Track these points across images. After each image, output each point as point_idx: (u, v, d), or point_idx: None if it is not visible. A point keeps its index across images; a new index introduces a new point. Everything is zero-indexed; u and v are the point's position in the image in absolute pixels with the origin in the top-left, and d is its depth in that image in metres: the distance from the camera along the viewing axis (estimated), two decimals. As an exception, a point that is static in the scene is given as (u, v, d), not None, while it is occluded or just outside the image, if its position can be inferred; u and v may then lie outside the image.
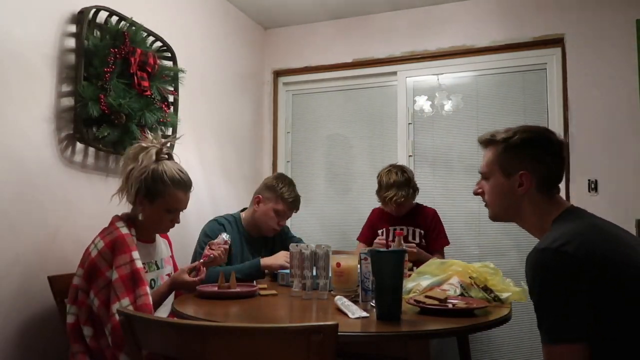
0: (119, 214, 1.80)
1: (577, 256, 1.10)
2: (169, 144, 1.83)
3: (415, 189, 2.66)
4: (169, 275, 1.89)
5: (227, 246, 1.94)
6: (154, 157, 1.75)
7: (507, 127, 1.39)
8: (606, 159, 2.75)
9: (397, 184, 2.57)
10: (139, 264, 1.65)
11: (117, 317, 1.52)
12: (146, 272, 1.76)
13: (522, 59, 3.05)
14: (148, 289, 1.64)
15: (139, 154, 1.75)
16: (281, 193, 2.38)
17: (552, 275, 1.11)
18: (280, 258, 2.21)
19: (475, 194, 1.44)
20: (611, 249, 1.14)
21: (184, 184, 1.80)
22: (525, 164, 1.31)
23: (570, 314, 1.08)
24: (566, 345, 1.08)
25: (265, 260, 2.21)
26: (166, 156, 1.81)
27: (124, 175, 1.77)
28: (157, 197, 1.75)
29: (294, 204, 2.44)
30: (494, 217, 1.40)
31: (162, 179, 1.74)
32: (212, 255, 1.88)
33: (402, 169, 2.66)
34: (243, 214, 2.48)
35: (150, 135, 1.84)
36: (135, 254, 1.66)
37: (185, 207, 1.85)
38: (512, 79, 3.11)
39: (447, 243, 2.71)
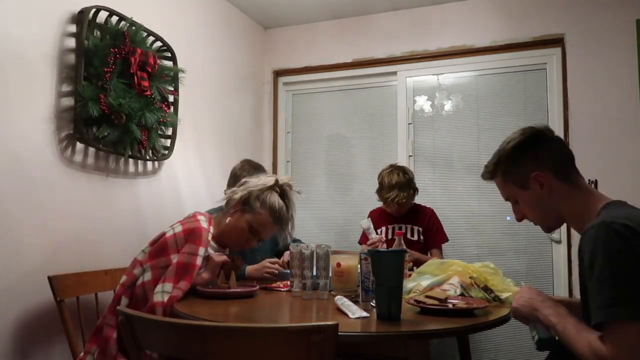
0: (201, 212, 1.84)
1: None
2: (285, 184, 1.90)
3: (416, 189, 2.69)
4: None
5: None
6: (272, 182, 1.84)
7: (490, 157, 1.42)
8: (606, 159, 2.75)
9: (399, 185, 2.60)
10: (199, 260, 1.67)
11: (155, 298, 1.56)
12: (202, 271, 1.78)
13: (522, 59, 3.05)
14: (188, 284, 1.64)
15: (260, 175, 1.89)
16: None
17: (623, 247, 1.06)
18: (262, 270, 2.18)
19: (520, 220, 1.42)
20: None
21: (278, 217, 1.82)
22: (530, 166, 1.31)
23: None
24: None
25: (250, 271, 2.18)
26: (279, 190, 1.86)
27: (240, 179, 1.91)
28: (250, 211, 1.79)
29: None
30: (547, 229, 1.40)
31: (265, 200, 1.80)
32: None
33: (403, 170, 2.68)
34: None
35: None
36: (202, 250, 1.68)
37: (266, 237, 1.87)
38: (512, 78, 3.11)
39: (446, 239, 2.72)
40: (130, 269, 1.69)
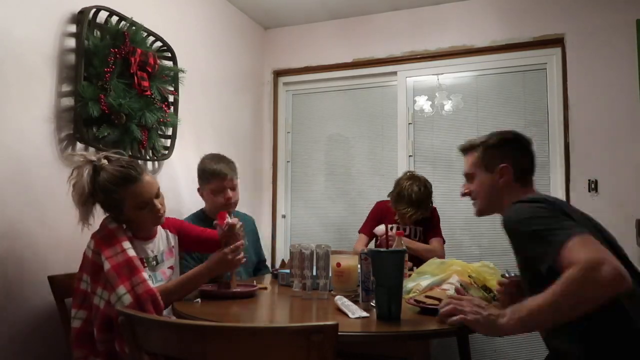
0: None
1: (551, 205, 1.29)
2: (102, 155, 1.70)
3: (432, 203, 2.63)
4: (171, 267, 1.84)
5: (234, 227, 1.82)
6: (87, 174, 1.62)
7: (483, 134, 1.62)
8: (606, 159, 2.74)
9: (419, 201, 2.51)
10: (131, 252, 1.61)
11: (116, 307, 1.50)
12: (145, 266, 1.73)
13: (522, 59, 3.05)
14: (146, 275, 1.59)
15: (74, 176, 1.64)
16: (208, 172, 2.34)
17: (537, 209, 1.28)
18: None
19: (463, 195, 1.64)
20: (574, 211, 1.35)
21: (132, 177, 1.63)
22: (505, 159, 1.52)
23: (568, 221, 1.24)
24: (584, 234, 1.17)
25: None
26: (105, 161, 1.67)
27: (75, 203, 1.64)
28: (120, 204, 1.65)
29: (221, 172, 2.33)
30: (480, 212, 1.62)
31: (109, 187, 1.62)
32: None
33: (424, 183, 2.58)
34: (204, 209, 2.48)
35: (79, 157, 1.67)
36: (126, 244, 1.62)
37: (155, 191, 1.69)
38: (512, 79, 3.11)
39: (441, 236, 2.73)
40: (78, 299, 1.63)
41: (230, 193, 2.37)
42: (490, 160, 1.54)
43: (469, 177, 1.62)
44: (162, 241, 1.86)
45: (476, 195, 1.59)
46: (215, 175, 2.33)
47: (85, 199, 1.62)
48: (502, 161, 1.52)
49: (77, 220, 1.64)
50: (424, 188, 2.56)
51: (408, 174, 2.69)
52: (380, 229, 2.51)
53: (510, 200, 1.44)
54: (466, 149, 1.64)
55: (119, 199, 1.64)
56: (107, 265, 1.56)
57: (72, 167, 1.65)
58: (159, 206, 1.71)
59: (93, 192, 1.62)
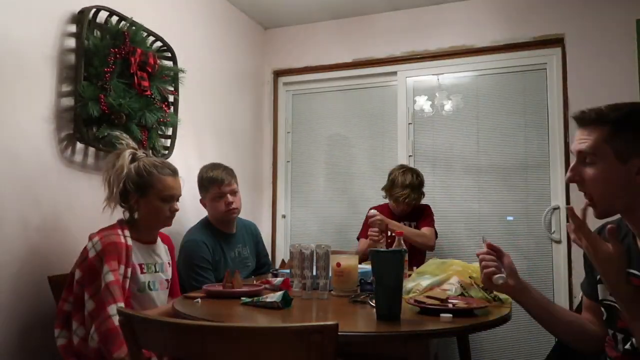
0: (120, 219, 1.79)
1: None
2: (142, 151, 1.85)
3: (423, 193, 2.78)
4: (168, 281, 1.87)
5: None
6: (128, 158, 1.77)
7: (608, 104, 1.22)
8: (606, 159, 2.74)
9: (412, 185, 2.69)
10: (109, 276, 1.60)
11: (115, 321, 1.52)
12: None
13: (522, 59, 3.05)
14: (111, 308, 1.56)
15: (113, 160, 1.77)
16: (206, 180, 2.35)
17: None
18: None
19: (571, 181, 1.19)
20: None
21: (168, 169, 1.81)
22: None
23: None
24: None
25: None
26: (143, 155, 1.83)
27: (105, 184, 1.76)
28: (147, 188, 1.76)
29: (220, 177, 2.33)
30: (604, 214, 1.17)
31: (146, 169, 1.76)
32: None
33: (416, 172, 2.77)
34: (209, 218, 2.44)
35: (124, 141, 1.82)
36: (114, 265, 1.63)
37: (179, 193, 1.85)
38: (512, 79, 3.11)
39: (433, 227, 2.76)
40: (60, 319, 1.68)
41: (230, 198, 2.34)
42: (627, 147, 1.11)
43: (587, 160, 1.16)
44: (163, 252, 1.90)
45: (596, 191, 1.15)
46: (212, 181, 2.33)
47: (120, 181, 1.73)
48: None
49: (102, 202, 1.75)
50: (416, 176, 2.74)
51: (399, 165, 2.87)
52: (373, 212, 2.59)
53: None
54: (590, 120, 1.20)
55: (148, 183, 1.75)
56: (110, 277, 1.60)
57: (114, 152, 1.80)
58: (177, 207, 1.84)
59: (128, 174, 1.74)
